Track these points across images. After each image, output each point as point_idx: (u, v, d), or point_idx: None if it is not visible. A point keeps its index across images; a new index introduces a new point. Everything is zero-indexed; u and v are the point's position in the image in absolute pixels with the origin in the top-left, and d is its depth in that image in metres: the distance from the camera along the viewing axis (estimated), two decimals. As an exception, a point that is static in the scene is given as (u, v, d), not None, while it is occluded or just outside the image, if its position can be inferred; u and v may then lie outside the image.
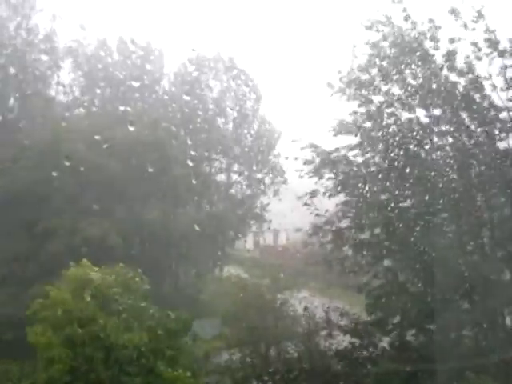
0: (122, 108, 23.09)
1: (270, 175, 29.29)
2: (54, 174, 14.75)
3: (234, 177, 29.31)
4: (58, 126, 19.94)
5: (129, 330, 10.39)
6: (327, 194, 13.07)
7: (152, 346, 10.40)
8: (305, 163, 13.00)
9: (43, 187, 19.41)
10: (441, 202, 11.70)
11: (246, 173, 29.01)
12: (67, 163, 12.71)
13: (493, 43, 11.81)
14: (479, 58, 12.07)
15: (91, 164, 19.41)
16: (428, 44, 12.40)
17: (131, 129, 18.53)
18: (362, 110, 12.90)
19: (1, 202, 20.17)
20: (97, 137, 17.07)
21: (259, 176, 29.13)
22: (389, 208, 12.27)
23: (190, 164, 18.43)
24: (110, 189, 20.21)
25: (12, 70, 24.26)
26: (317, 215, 13.18)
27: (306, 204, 13.08)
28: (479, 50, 12.03)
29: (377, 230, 12.54)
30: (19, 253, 19.25)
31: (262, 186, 29.07)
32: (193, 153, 19.15)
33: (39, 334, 10.14)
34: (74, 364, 9.82)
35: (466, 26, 11.92)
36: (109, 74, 26.10)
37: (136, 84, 25.64)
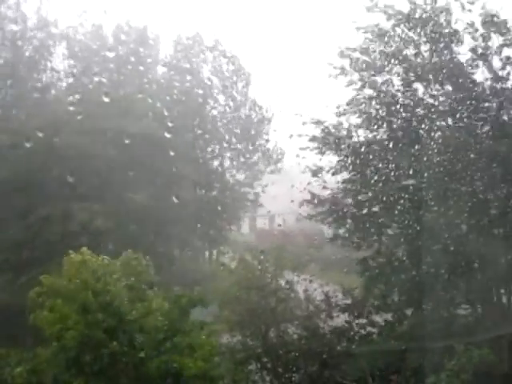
0: (96, 79, 22.61)
1: (262, 158, 29.20)
2: (28, 144, 14.18)
3: (227, 163, 29.22)
4: (52, 114, 19.77)
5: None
6: (331, 172, 13.11)
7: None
8: (310, 140, 12.93)
9: (37, 175, 19.35)
10: (426, 175, 11.73)
11: (241, 159, 28.90)
12: (40, 134, 12.25)
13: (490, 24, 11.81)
14: (475, 39, 12.13)
15: (84, 151, 19.35)
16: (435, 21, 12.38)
17: (106, 100, 18.39)
18: (365, 91, 12.88)
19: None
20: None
21: (253, 160, 29.03)
22: (372, 182, 12.38)
23: (168, 136, 18.22)
24: (102, 175, 20.16)
25: (5, 56, 23.98)
26: (324, 187, 13.28)
27: (314, 175, 13.09)
28: (476, 30, 12.03)
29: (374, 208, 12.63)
30: (14, 240, 19.18)
31: (255, 171, 29.00)
32: (170, 124, 18.95)
33: (50, 311, 10.20)
34: (87, 332, 9.89)
35: (463, 7, 12.00)
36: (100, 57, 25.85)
37: (111, 54, 25.08)
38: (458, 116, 12.32)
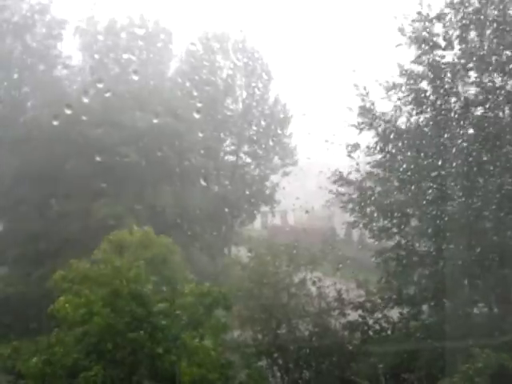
0: (125, 56, 22.62)
1: (279, 154, 29.07)
2: (55, 122, 14.10)
3: (244, 158, 29.15)
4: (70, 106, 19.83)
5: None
6: (365, 152, 12.99)
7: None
8: (359, 113, 12.81)
9: (55, 168, 19.43)
10: (454, 165, 11.54)
11: (257, 152, 28.79)
12: (68, 111, 12.26)
13: None
14: None
15: (101, 144, 19.39)
16: None
17: (135, 78, 18.27)
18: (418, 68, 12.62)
19: (13, 181, 20.29)
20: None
21: (270, 157, 28.93)
22: (401, 169, 12.22)
23: (197, 116, 18.06)
24: (120, 169, 20.17)
25: (17, 48, 24.17)
26: (357, 170, 13.12)
27: (349, 155, 12.94)
28: None
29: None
30: (32, 233, 19.33)
31: (272, 167, 28.91)
32: (199, 105, 18.86)
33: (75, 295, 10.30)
34: (113, 319, 9.94)
35: None
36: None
37: (140, 32, 25.09)
38: (487, 106, 12.01)
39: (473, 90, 12.14)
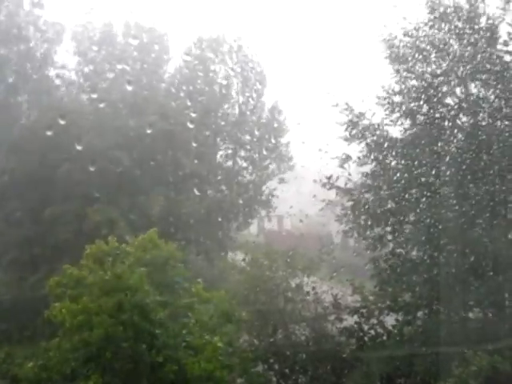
0: (119, 67, 22.74)
1: (276, 160, 29.14)
2: (49, 132, 14.25)
3: (240, 163, 29.19)
4: (65, 110, 19.89)
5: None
6: (356, 163, 13.02)
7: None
8: (347, 128, 12.82)
9: (49, 172, 19.42)
10: (448, 173, 11.63)
11: (254, 156, 28.85)
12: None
13: None
14: None
15: (97, 151, 19.41)
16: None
17: (129, 88, 18.45)
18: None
19: (7, 184, 20.25)
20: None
21: (266, 163, 28.99)
22: (395, 178, 12.29)
23: (191, 126, 18.16)
24: (116, 176, 20.19)
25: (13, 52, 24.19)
26: (349, 180, 13.17)
27: (341, 166, 12.97)
28: None
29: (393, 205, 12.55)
30: (26, 237, 19.29)
31: (268, 172, 28.96)
32: (193, 115, 18.95)
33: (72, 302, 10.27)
34: (114, 330, 9.91)
35: None
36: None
37: (135, 42, 25.19)
38: (480, 115, 12.14)
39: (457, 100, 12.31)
